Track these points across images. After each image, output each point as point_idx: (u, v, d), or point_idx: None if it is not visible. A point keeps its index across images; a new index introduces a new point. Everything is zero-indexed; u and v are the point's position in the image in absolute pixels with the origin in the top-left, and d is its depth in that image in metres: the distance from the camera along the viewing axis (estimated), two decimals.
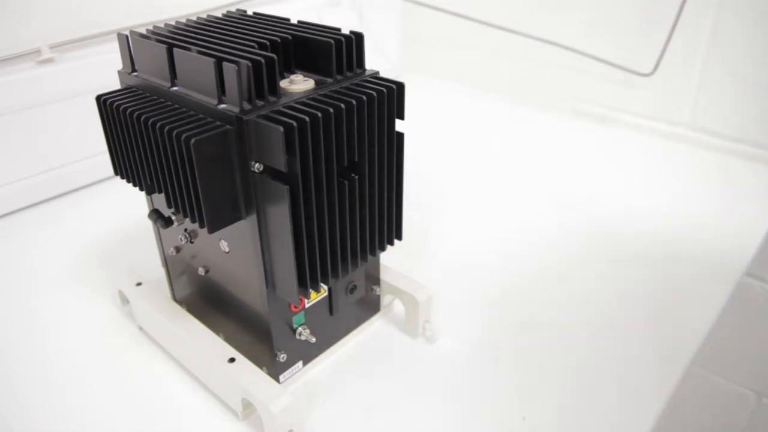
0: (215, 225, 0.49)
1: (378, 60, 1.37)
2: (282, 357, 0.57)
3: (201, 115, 0.48)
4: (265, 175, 0.47)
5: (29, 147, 0.91)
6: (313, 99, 0.48)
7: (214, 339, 0.59)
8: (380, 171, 0.53)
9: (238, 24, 0.57)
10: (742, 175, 1.03)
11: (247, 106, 0.46)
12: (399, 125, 0.53)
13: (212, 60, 0.46)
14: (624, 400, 0.59)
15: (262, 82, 0.46)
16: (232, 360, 0.55)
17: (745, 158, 1.07)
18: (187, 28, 0.56)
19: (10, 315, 0.72)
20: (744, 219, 0.89)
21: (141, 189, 0.56)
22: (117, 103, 0.52)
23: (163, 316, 0.62)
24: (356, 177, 0.50)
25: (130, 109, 0.50)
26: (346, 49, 0.52)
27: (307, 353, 0.61)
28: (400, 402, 0.59)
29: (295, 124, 0.43)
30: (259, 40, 0.50)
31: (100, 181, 1.00)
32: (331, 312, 0.61)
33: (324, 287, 0.58)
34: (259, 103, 0.47)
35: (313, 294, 0.58)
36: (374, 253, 0.57)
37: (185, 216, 0.51)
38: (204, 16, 0.60)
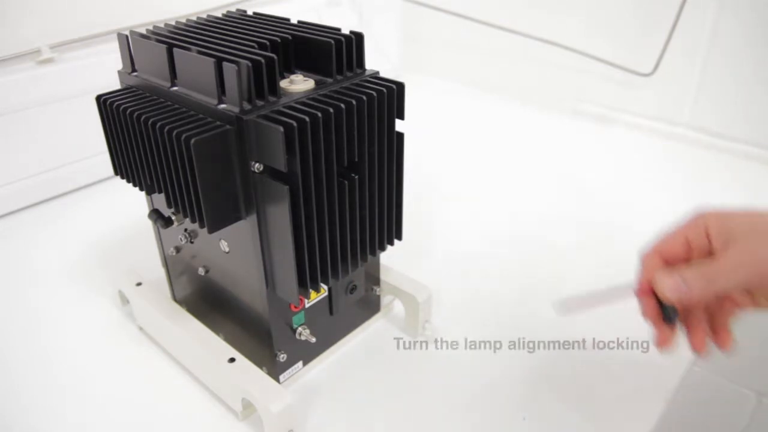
0: (215, 225, 0.48)
1: (378, 60, 1.37)
2: (282, 357, 0.57)
3: (201, 115, 0.48)
4: (265, 175, 0.47)
5: (29, 147, 0.90)
6: (313, 99, 0.48)
7: (214, 339, 0.59)
8: (380, 171, 0.53)
9: (238, 24, 0.57)
10: (743, 175, 1.03)
11: (247, 106, 0.46)
12: (399, 125, 0.53)
13: (212, 60, 0.46)
14: (624, 400, 0.59)
15: (262, 82, 0.46)
16: (232, 360, 0.55)
17: (746, 158, 1.07)
18: (187, 28, 0.56)
19: (10, 315, 0.72)
20: None
21: (141, 189, 0.56)
22: (117, 103, 0.52)
23: (163, 316, 0.62)
24: (356, 177, 0.50)
25: (130, 109, 0.50)
26: (346, 49, 0.52)
27: (307, 353, 0.61)
28: (401, 402, 0.59)
29: (295, 124, 0.43)
30: (259, 40, 0.50)
31: (100, 181, 1.00)
32: (331, 312, 0.61)
33: (324, 287, 0.58)
34: (259, 103, 0.47)
35: (313, 294, 0.58)
36: (374, 253, 0.57)
37: (185, 216, 0.51)
38: (204, 16, 0.60)
